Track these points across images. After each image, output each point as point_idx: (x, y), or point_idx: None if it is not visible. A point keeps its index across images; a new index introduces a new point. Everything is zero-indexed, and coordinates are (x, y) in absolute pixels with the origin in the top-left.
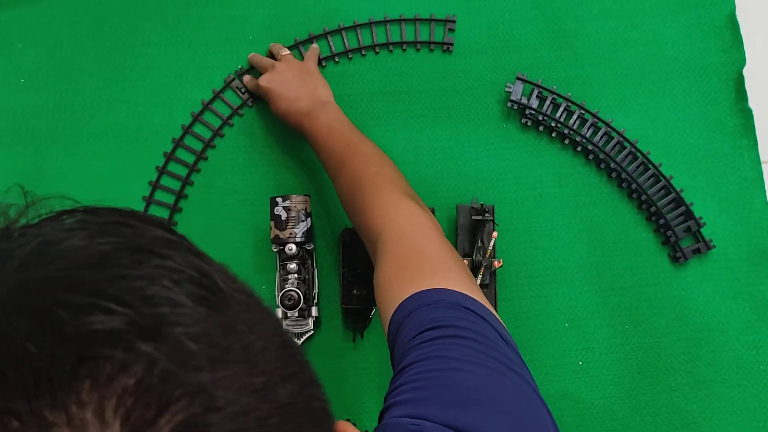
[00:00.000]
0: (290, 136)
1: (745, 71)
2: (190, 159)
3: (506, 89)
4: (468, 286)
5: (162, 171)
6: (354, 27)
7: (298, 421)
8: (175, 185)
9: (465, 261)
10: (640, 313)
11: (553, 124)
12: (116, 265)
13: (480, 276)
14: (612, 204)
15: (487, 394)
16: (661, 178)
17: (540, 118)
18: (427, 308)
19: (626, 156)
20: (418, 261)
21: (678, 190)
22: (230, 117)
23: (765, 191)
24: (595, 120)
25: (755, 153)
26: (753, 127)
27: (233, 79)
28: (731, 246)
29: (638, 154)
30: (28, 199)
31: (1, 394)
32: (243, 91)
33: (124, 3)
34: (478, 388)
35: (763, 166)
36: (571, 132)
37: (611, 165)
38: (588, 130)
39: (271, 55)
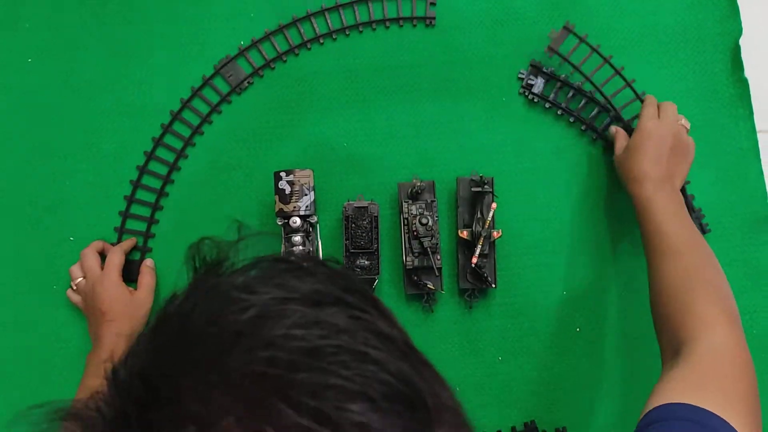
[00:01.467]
0: (293, 111)
1: (742, 41)
2: (186, 133)
3: (519, 76)
4: (746, 429)
5: (156, 144)
6: (351, 3)
7: None
8: (170, 157)
9: (464, 232)
10: (636, 280)
11: (561, 107)
12: (331, 372)
13: (479, 246)
14: (609, 175)
15: None
16: None
17: (547, 103)
18: (690, 425)
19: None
20: (717, 382)
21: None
22: (229, 94)
23: (760, 160)
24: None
25: (751, 122)
26: (749, 96)
27: (236, 55)
28: (726, 214)
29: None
30: (242, 232)
31: None
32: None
33: None
34: None
35: (758, 135)
36: (577, 112)
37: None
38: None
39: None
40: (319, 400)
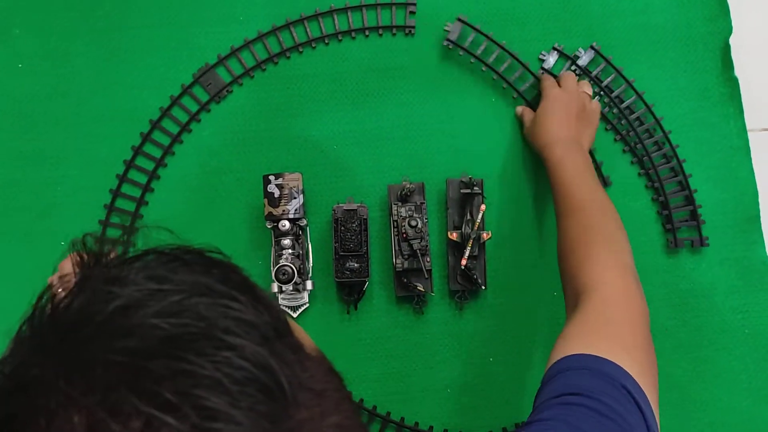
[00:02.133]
0: (283, 115)
1: (731, 40)
2: (167, 141)
3: (445, 28)
4: (641, 372)
5: (139, 148)
6: (345, 9)
7: None
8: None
9: (454, 234)
10: None
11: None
12: (182, 357)
13: (469, 248)
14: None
15: None
16: (676, 161)
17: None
18: (587, 373)
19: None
20: (607, 329)
21: (687, 175)
22: (210, 101)
23: (751, 159)
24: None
25: (741, 121)
26: (739, 95)
27: (227, 56)
28: (718, 213)
29: (657, 130)
30: (135, 225)
31: None
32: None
33: None
34: None
35: (749, 133)
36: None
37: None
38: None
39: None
40: (165, 386)
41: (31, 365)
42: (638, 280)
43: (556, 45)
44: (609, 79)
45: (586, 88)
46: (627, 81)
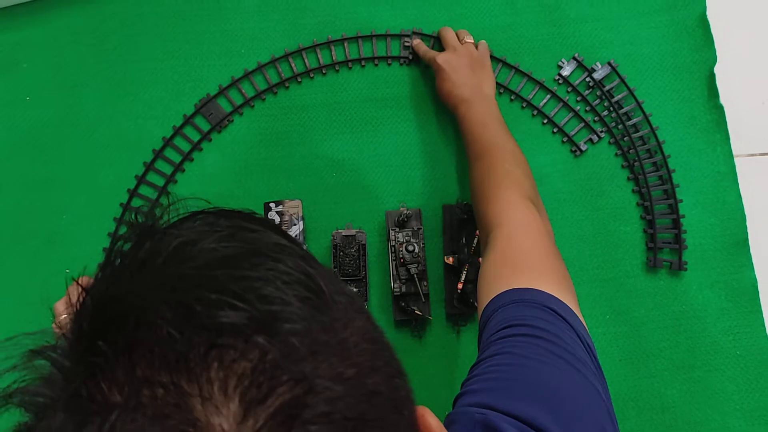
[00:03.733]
0: (282, 143)
1: (716, 69)
2: (170, 170)
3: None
4: (559, 290)
5: (142, 177)
6: (342, 40)
7: (382, 406)
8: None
9: (450, 259)
10: (620, 303)
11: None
12: (240, 267)
13: (465, 272)
14: (591, 201)
15: (549, 391)
16: (670, 185)
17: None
18: (514, 305)
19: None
20: (519, 261)
21: (678, 200)
22: (211, 131)
23: (738, 184)
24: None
25: (728, 147)
26: (725, 122)
27: (228, 86)
28: (707, 237)
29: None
30: (171, 199)
31: (151, 368)
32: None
33: (123, 22)
34: (541, 384)
35: (735, 159)
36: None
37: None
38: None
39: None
40: (232, 285)
41: (115, 285)
42: (540, 205)
43: (576, 55)
44: (620, 96)
45: (467, 37)
46: (637, 101)
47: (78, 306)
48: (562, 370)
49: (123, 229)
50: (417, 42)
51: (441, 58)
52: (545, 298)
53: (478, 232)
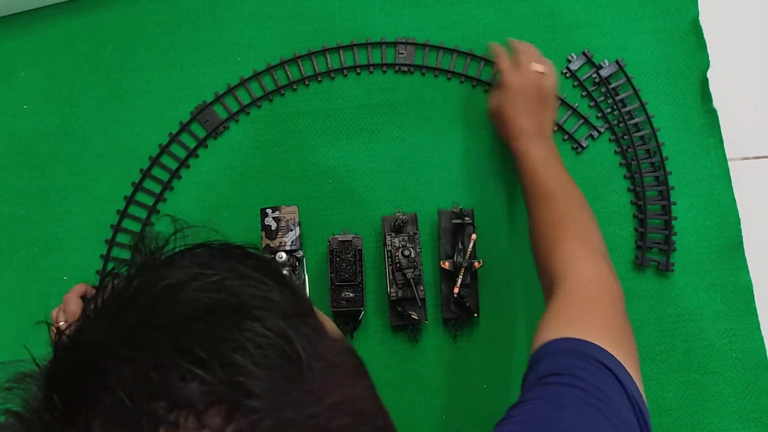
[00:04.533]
0: (278, 150)
1: (709, 74)
2: (166, 177)
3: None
4: (616, 348)
5: (139, 184)
6: (337, 48)
7: None
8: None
9: (446, 263)
10: None
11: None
12: (216, 324)
13: (461, 277)
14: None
15: None
16: (665, 186)
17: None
18: (564, 354)
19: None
20: (581, 313)
21: (672, 202)
22: (207, 137)
23: (731, 187)
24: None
25: (721, 151)
26: (718, 126)
27: (224, 94)
28: (701, 240)
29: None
30: (177, 225)
31: (107, 427)
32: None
33: (119, 30)
34: (573, 427)
35: (729, 163)
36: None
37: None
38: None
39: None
40: (199, 346)
41: (92, 329)
42: (610, 263)
43: (586, 51)
44: (625, 94)
45: (537, 67)
46: (641, 101)
47: (53, 346)
48: (598, 420)
49: (122, 237)
50: (496, 45)
51: (513, 78)
52: (598, 352)
53: (474, 236)
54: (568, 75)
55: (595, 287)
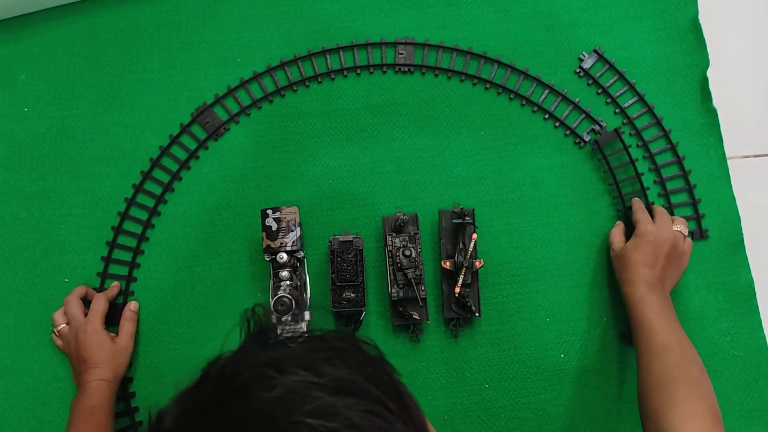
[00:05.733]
0: (278, 151)
1: (709, 73)
2: (167, 178)
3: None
4: None
5: (140, 186)
6: (337, 49)
7: None
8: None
9: (447, 263)
10: (617, 305)
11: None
12: None
13: (462, 276)
14: (587, 204)
15: None
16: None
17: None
18: None
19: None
20: None
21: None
22: (208, 138)
23: (731, 186)
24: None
25: (721, 150)
26: (718, 125)
27: (224, 95)
28: (703, 239)
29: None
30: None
31: None
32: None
33: (119, 33)
34: None
35: (728, 161)
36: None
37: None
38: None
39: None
40: None
41: (189, 425)
42: (722, 426)
43: (597, 48)
44: (622, 90)
45: (681, 227)
46: (647, 105)
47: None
48: None
49: (123, 239)
50: (636, 200)
51: (650, 228)
52: None
53: (475, 236)
54: (582, 74)
55: None
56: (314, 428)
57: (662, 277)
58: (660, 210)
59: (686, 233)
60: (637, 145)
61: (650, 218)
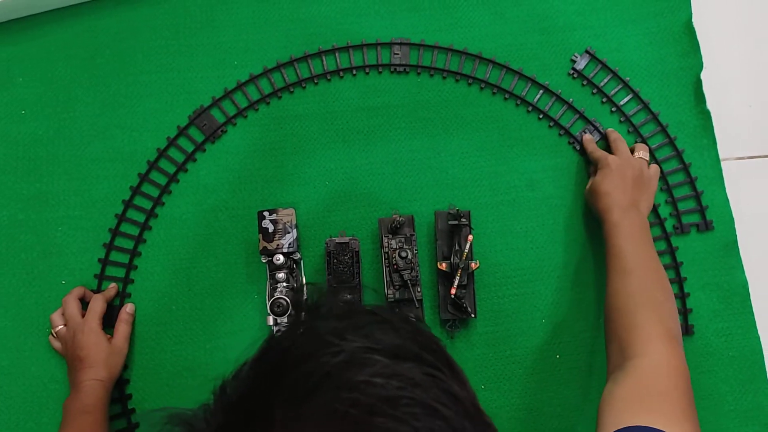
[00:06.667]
0: (275, 153)
1: (703, 75)
2: (164, 180)
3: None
4: None
5: (137, 188)
6: (333, 50)
7: None
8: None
9: (443, 264)
10: None
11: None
12: (403, 421)
13: (458, 277)
14: (582, 205)
15: None
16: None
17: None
18: None
19: None
20: (653, 400)
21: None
22: (205, 141)
23: (725, 187)
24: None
25: (714, 152)
26: (712, 127)
27: (221, 98)
28: (697, 240)
29: None
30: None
31: None
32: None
33: (116, 36)
34: None
35: (722, 163)
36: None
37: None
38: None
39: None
40: None
41: (257, 392)
42: (682, 348)
43: (588, 48)
44: (628, 98)
45: (643, 153)
46: (642, 101)
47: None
48: None
49: (120, 241)
50: (588, 137)
51: (613, 160)
52: None
53: (470, 237)
54: (575, 75)
55: (669, 373)
56: (381, 386)
57: (633, 200)
58: (615, 138)
59: (647, 158)
60: (636, 142)
61: (608, 153)
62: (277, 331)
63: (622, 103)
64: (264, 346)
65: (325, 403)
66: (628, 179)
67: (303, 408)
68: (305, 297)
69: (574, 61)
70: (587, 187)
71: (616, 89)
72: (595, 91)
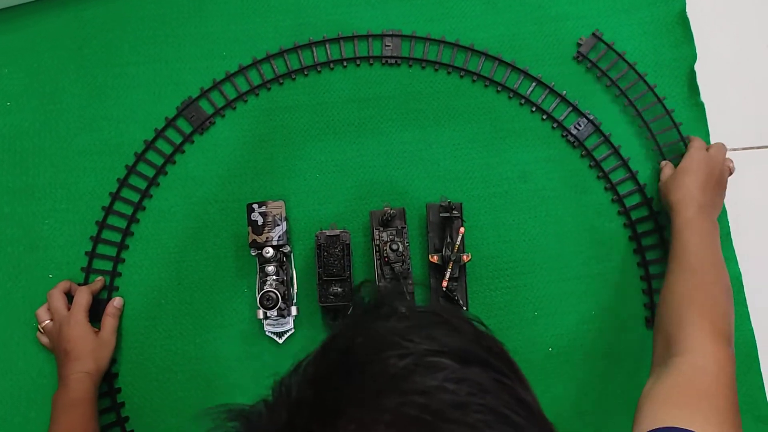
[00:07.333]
0: (264, 145)
1: (697, 66)
2: (152, 172)
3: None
4: None
5: (124, 181)
6: (323, 42)
7: None
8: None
9: (434, 257)
10: (605, 299)
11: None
12: (475, 428)
13: (449, 270)
14: (575, 197)
15: None
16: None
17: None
18: None
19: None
20: (697, 401)
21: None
22: (193, 133)
23: None
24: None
25: (708, 144)
26: (705, 119)
27: (209, 89)
28: None
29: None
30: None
31: None
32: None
33: (103, 26)
34: None
35: None
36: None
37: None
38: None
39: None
40: None
41: (322, 392)
42: (733, 350)
43: (596, 31)
44: (631, 83)
45: (731, 165)
46: (649, 86)
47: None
48: None
49: (108, 234)
50: (665, 162)
51: (704, 153)
52: None
53: (462, 230)
54: (580, 59)
55: (716, 375)
56: (452, 392)
57: (712, 201)
58: (718, 144)
59: (732, 170)
60: (639, 126)
61: (704, 145)
62: (335, 329)
63: (626, 87)
64: (326, 344)
65: (394, 407)
66: (713, 178)
67: (371, 411)
68: (295, 290)
69: (579, 45)
70: (664, 177)
71: (621, 74)
72: (599, 74)
